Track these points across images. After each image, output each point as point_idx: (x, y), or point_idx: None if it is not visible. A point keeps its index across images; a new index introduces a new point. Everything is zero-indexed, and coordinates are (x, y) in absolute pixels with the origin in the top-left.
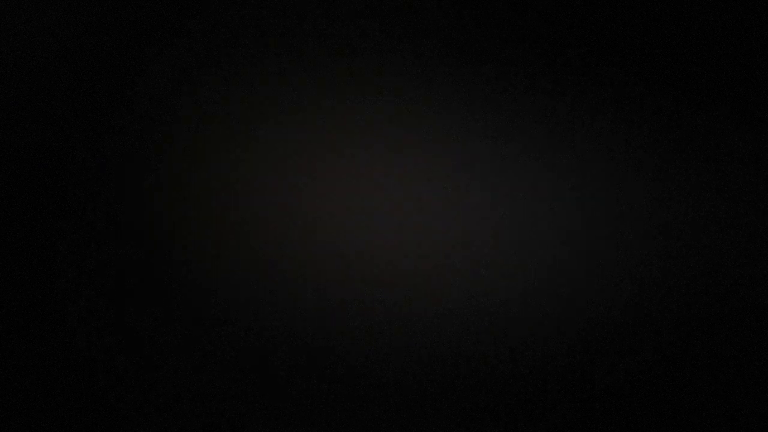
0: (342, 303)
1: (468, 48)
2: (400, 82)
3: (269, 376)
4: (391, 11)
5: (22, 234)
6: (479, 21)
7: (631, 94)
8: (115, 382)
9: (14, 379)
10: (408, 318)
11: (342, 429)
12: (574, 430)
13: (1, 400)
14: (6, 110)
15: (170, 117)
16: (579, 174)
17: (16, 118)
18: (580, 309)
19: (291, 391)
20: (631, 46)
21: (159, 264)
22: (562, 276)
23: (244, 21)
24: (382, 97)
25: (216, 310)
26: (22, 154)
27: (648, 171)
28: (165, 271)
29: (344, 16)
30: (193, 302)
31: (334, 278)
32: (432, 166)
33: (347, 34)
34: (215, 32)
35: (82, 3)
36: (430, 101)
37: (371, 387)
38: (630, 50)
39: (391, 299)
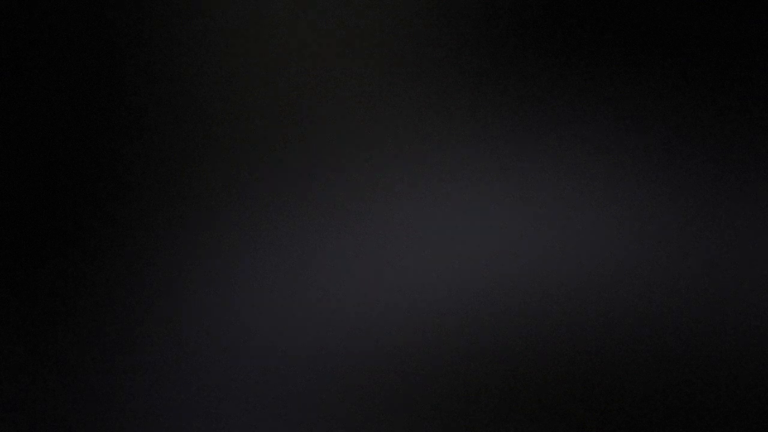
0: (342, 302)
1: (472, 49)
2: (402, 83)
3: (274, 378)
4: (393, 11)
5: (23, 234)
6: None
7: (632, 94)
8: (114, 382)
9: (14, 379)
10: (410, 319)
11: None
12: (574, 430)
13: (1, 400)
14: (6, 110)
15: (174, 118)
16: (579, 174)
17: (16, 118)
18: (581, 309)
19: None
20: (631, 46)
21: (161, 264)
22: (563, 277)
23: (246, 20)
24: (382, 99)
25: (217, 313)
26: (22, 154)
27: (648, 171)
28: (168, 271)
29: (347, 17)
30: (197, 304)
31: (335, 278)
32: (430, 167)
33: (349, 36)
34: (216, 31)
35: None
36: (430, 101)
37: (373, 387)
38: (630, 50)
39: (392, 301)
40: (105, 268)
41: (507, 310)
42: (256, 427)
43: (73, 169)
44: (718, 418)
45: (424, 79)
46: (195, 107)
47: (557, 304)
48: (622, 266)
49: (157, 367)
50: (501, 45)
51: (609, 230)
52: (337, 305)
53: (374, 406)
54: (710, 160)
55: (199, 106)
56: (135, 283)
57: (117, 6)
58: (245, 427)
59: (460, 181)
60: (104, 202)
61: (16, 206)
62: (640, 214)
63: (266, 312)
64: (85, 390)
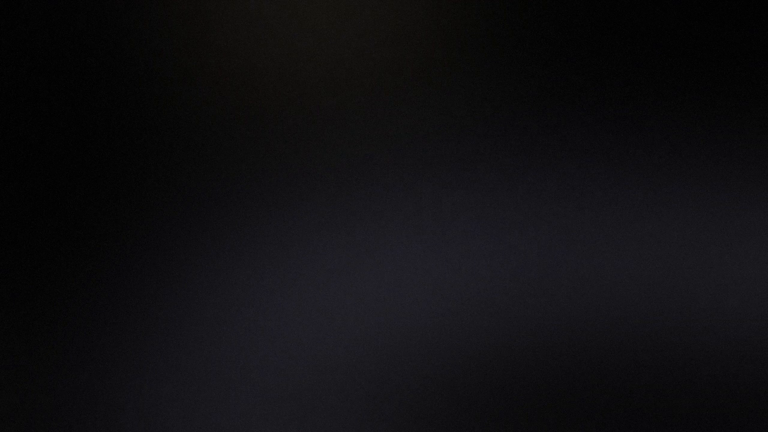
0: (342, 303)
1: (473, 51)
2: (403, 83)
3: (277, 380)
4: (393, 11)
5: (23, 233)
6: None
7: (632, 94)
8: (114, 382)
9: (14, 379)
10: (411, 319)
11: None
12: (574, 430)
13: (1, 400)
14: (6, 110)
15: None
16: (579, 175)
17: (16, 117)
18: (581, 310)
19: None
20: (631, 46)
21: (161, 264)
22: (563, 278)
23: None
24: (382, 99)
25: (217, 313)
26: (22, 154)
27: (648, 172)
28: (168, 271)
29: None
30: (197, 305)
31: (335, 279)
32: (431, 167)
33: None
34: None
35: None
36: (432, 99)
37: (374, 387)
38: (630, 50)
39: (393, 301)
40: (105, 268)
41: (507, 312)
42: (256, 426)
43: (73, 169)
44: (718, 418)
45: (424, 78)
46: (195, 107)
47: (558, 305)
48: (622, 267)
49: (157, 367)
50: (501, 45)
51: (609, 231)
52: (337, 306)
53: (375, 405)
54: (710, 160)
55: (199, 106)
56: (135, 283)
57: (117, 6)
58: (245, 427)
59: (460, 181)
60: (104, 202)
61: (16, 206)
62: (640, 215)
63: (266, 312)
64: (85, 390)
